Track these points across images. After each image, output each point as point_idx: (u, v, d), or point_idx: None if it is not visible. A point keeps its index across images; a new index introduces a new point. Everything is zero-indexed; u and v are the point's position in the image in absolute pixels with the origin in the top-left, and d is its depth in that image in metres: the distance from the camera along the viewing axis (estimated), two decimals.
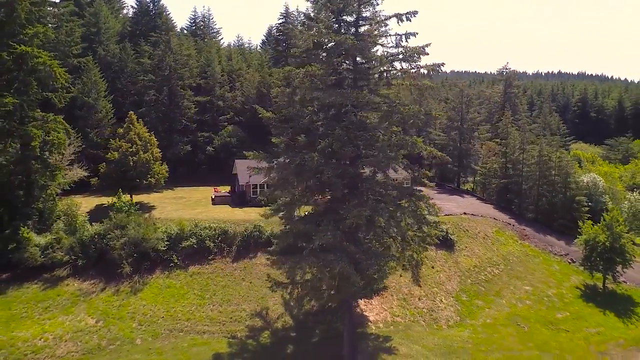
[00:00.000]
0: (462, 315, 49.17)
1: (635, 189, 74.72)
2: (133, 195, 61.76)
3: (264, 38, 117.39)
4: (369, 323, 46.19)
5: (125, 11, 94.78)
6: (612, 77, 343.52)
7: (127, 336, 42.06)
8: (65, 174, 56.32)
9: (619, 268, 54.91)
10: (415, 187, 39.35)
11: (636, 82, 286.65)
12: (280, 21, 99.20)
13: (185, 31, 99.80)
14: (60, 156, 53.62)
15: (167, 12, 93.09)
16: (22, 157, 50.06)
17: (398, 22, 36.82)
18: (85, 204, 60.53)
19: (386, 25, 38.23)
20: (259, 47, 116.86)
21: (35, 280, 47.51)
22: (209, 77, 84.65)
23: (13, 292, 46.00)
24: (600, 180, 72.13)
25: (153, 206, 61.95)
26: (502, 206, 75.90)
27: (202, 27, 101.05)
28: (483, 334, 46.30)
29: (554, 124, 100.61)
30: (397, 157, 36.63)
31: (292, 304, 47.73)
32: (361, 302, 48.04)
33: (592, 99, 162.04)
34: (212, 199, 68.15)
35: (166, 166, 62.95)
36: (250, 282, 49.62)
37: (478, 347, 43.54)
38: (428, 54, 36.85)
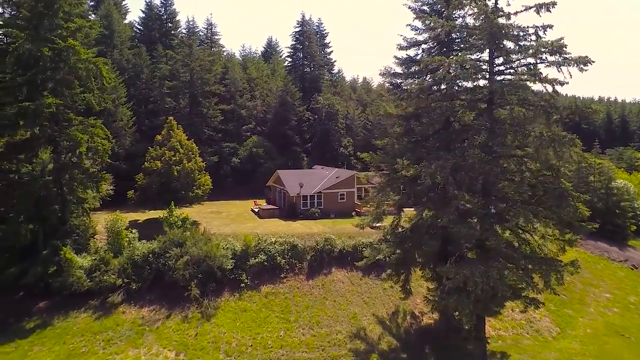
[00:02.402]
0: (560, 326, 45.69)
1: None
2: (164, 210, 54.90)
3: (263, 49, 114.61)
4: None
5: (129, 17, 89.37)
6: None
7: None
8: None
9: None
10: (562, 186, 35.68)
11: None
12: (298, 29, 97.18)
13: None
14: (104, 165, 46.57)
15: (178, 19, 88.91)
16: (61, 165, 43.22)
17: (539, 13, 33.54)
18: None
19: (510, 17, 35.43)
20: (260, 57, 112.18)
21: (82, 308, 40.86)
22: (229, 85, 79.64)
23: (60, 323, 39.26)
24: (631, 186, 71.93)
25: (196, 221, 54.92)
26: None
27: (202, 36, 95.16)
28: (592, 345, 42.81)
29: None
30: (562, 154, 33.24)
31: (387, 322, 42.66)
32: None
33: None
34: (257, 213, 62.82)
35: (209, 177, 56.47)
36: (335, 301, 44.18)
37: None
38: (567, 45, 33.45)
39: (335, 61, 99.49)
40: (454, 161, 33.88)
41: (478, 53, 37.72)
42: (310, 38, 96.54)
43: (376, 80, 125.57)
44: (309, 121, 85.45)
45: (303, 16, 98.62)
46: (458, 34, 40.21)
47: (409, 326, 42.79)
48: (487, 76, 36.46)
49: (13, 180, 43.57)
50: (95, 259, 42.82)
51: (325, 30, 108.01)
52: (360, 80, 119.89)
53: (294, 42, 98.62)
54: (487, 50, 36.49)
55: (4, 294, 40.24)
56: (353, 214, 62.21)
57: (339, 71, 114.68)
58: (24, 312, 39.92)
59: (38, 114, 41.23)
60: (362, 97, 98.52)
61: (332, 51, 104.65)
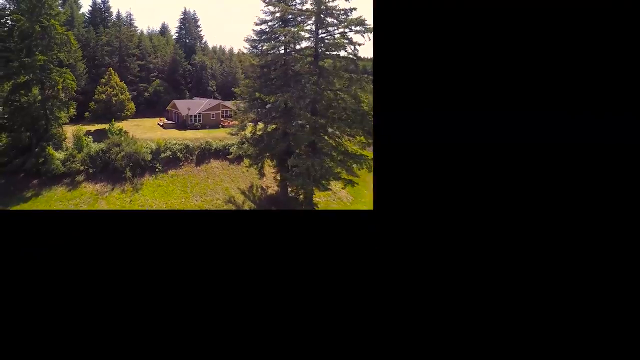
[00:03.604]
0: (354, 196, 66.58)
1: None
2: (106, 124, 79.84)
3: (159, 28, 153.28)
4: None
5: (82, 10, 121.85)
6: None
7: None
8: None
9: None
10: (362, 109, 49.94)
11: None
12: (182, 17, 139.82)
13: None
14: (71, 96, 69.96)
15: (111, 10, 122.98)
16: (46, 97, 65.69)
17: (347, 0, 51.77)
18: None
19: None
20: (158, 33, 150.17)
21: (60, 184, 58.29)
22: (142, 49, 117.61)
23: (47, 193, 56.44)
24: None
25: (126, 131, 76.93)
26: None
27: (124, 20, 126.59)
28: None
29: None
30: (364, 88, 49.10)
31: (247, 193, 66.94)
32: None
33: None
34: (162, 126, 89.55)
35: (133, 104, 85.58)
36: (213, 180, 66.39)
37: None
38: (366, 20, 47.86)
39: (204, 35, 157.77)
40: (298, 93, 48.90)
41: (309, 26, 53.03)
42: (189, 22, 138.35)
43: (228, 47, 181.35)
44: (189, 71, 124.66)
45: (185, 9, 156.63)
46: (292, 15, 55.06)
47: (260, 195, 65.14)
48: (314, 40, 52.01)
49: (17, 106, 62.56)
50: (66, 154, 60.77)
51: (198, 17, 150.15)
52: (219, 47, 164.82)
53: (180, 24, 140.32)
54: (314, 25, 51.62)
55: (12, 175, 57.89)
56: (220, 126, 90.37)
57: (206, 41, 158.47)
58: (24, 187, 56.81)
59: (32, 66, 61.85)
60: (220, 57, 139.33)
61: (201, 30, 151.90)
